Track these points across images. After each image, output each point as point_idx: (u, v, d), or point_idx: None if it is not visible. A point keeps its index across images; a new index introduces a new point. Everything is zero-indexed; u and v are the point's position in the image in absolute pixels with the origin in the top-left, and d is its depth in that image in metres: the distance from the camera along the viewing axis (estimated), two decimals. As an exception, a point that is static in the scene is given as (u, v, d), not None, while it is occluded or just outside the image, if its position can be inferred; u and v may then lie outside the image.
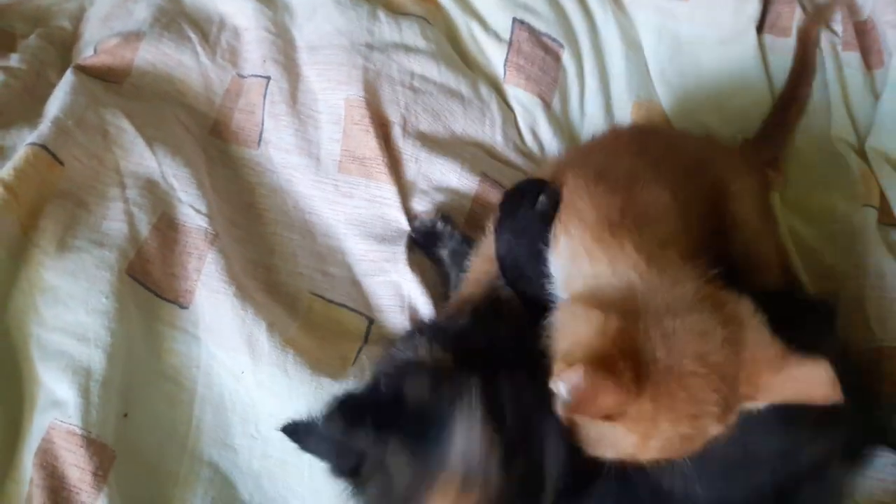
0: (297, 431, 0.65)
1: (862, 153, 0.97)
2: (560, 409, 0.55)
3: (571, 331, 0.57)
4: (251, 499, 0.78)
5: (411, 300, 0.87)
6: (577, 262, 0.64)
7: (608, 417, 0.53)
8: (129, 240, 0.86)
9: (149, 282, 0.85)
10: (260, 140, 1.00)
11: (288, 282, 0.91)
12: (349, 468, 0.62)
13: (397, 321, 0.87)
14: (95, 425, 0.74)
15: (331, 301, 0.90)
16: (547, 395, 0.56)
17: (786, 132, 1.02)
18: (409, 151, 0.96)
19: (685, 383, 0.53)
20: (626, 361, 0.52)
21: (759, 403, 0.56)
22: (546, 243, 0.69)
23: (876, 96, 1.02)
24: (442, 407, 0.59)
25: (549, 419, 0.58)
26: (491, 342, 0.70)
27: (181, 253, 0.87)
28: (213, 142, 1.01)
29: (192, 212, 0.89)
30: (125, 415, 0.79)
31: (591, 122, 1.06)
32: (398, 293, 0.88)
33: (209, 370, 0.82)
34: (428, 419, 0.59)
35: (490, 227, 0.79)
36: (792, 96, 1.04)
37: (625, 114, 1.05)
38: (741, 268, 0.78)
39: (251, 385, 0.81)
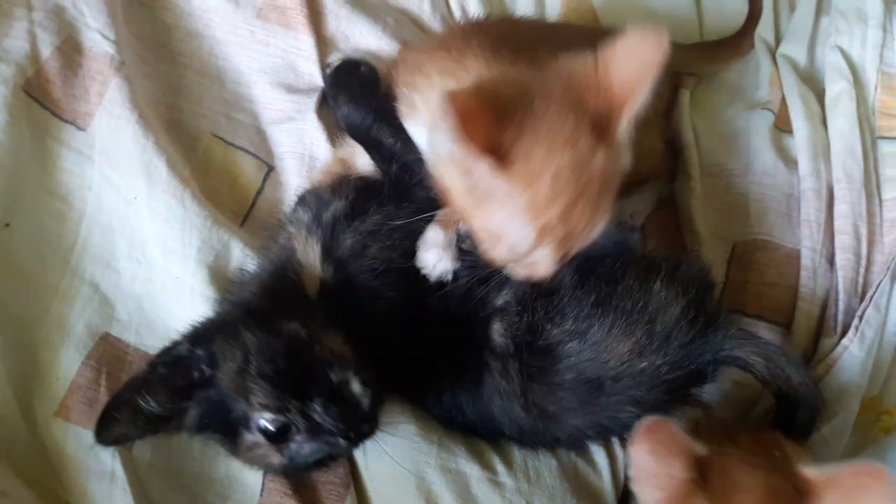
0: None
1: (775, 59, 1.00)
2: (446, 139, 0.52)
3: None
4: (129, 319, 0.79)
5: (312, 147, 0.87)
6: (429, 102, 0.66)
7: (493, 152, 0.52)
8: (28, 58, 0.84)
9: (47, 101, 0.83)
10: (181, -18, 0.97)
11: (189, 122, 0.90)
12: None
13: (295, 168, 0.88)
14: (-28, 232, 0.74)
15: (230, 143, 0.90)
16: None
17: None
18: (331, 6, 0.95)
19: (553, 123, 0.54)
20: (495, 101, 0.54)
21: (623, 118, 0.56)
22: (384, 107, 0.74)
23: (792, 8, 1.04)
24: None
25: None
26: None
27: (84, 77, 0.85)
28: (133, -21, 0.98)
29: (100, 38, 0.87)
30: (7, 224, 0.78)
31: (522, 5, 1.05)
32: (300, 140, 0.88)
33: (100, 192, 0.82)
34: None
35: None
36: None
37: (555, 3, 1.05)
38: None
39: (143, 211, 0.80)
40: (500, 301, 0.73)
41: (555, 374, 0.70)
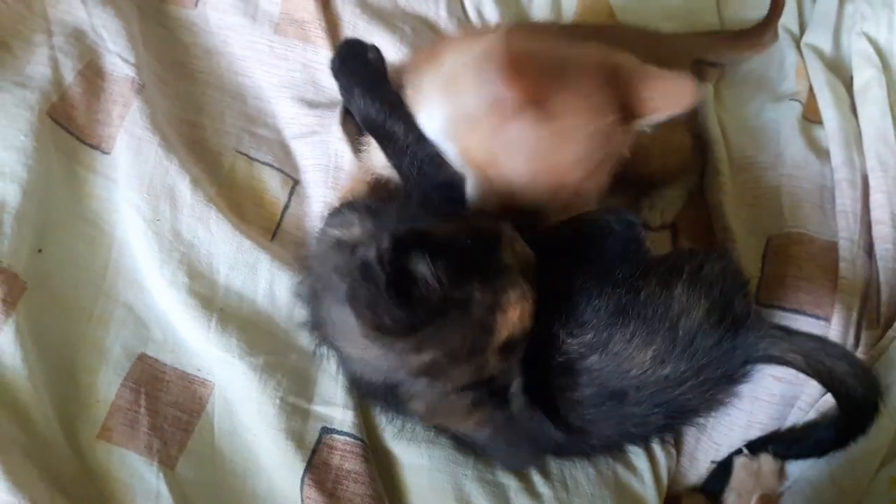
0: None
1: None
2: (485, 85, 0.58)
3: None
4: (164, 339, 0.79)
5: (337, 159, 0.87)
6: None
7: (536, 98, 0.57)
8: (52, 83, 0.85)
9: (71, 126, 0.84)
10: (198, 0, 0.98)
11: (213, 139, 0.91)
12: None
13: (321, 180, 0.88)
14: (7, 255, 0.74)
15: (255, 159, 0.90)
16: None
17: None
18: (347, 18, 0.95)
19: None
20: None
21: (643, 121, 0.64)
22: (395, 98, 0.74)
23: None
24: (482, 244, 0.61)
25: None
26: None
27: (106, 100, 0.86)
28: (149, 0, 0.99)
29: (120, 61, 0.88)
30: (39, 250, 0.79)
31: (538, 7, 1.04)
32: (325, 152, 0.88)
33: (126, 214, 0.82)
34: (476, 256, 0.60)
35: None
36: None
37: (571, 2, 1.04)
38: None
39: (165, 231, 0.81)
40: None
41: (575, 389, 0.68)
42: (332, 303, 0.61)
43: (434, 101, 0.70)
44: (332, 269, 0.62)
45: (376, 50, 0.79)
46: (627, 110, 0.64)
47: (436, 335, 0.56)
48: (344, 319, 0.58)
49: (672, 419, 0.70)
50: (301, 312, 0.77)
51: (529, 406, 0.61)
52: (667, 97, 0.64)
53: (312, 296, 0.70)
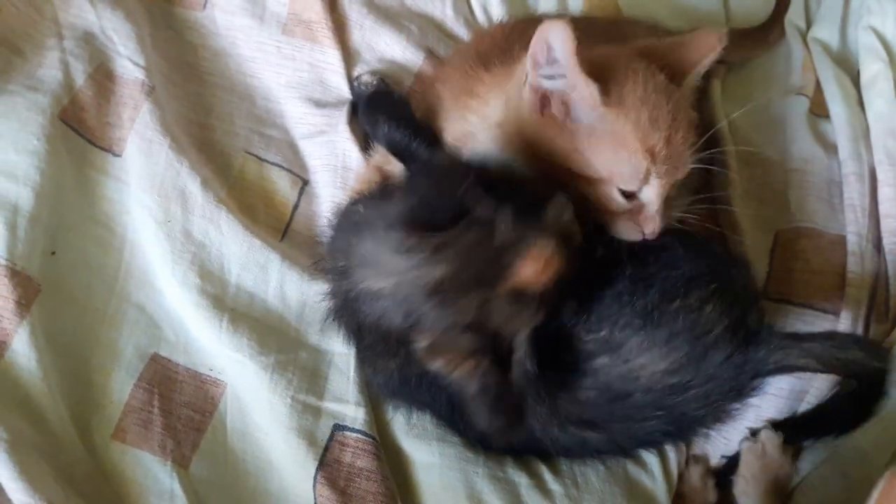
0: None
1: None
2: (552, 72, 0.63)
3: None
4: (176, 339, 0.80)
5: (345, 158, 0.88)
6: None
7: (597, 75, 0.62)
8: (63, 87, 0.85)
9: (83, 129, 0.85)
10: (206, 2, 0.99)
11: (222, 140, 0.91)
12: (443, 217, 0.60)
13: (329, 181, 0.88)
14: (21, 258, 0.75)
15: (264, 160, 0.90)
16: None
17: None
18: (355, 18, 0.96)
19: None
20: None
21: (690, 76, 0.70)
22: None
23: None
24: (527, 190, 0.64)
25: None
26: None
27: (117, 103, 0.87)
28: (158, 3, 0.99)
29: (131, 65, 0.88)
30: (53, 253, 0.79)
31: (544, 4, 1.04)
32: (333, 152, 0.89)
33: (137, 216, 0.83)
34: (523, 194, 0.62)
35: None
36: None
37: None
38: None
39: (177, 232, 0.81)
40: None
41: (581, 388, 0.68)
42: (367, 233, 0.63)
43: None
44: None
45: (399, 94, 0.87)
46: (677, 74, 0.69)
47: (457, 242, 0.57)
48: (379, 242, 0.60)
49: (676, 426, 0.70)
50: (311, 313, 0.80)
51: (528, 376, 0.61)
52: (700, 47, 0.70)
53: (341, 246, 0.70)
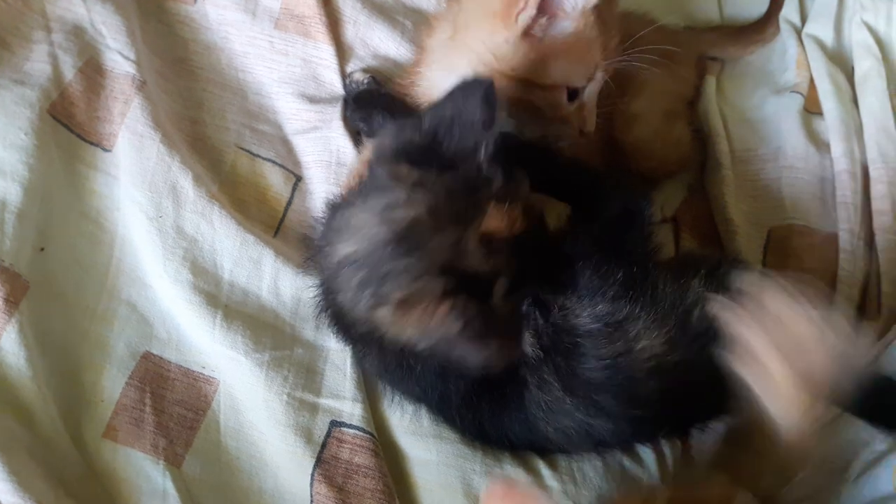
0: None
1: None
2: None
3: None
4: (168, 336, 0.79)
5: (339, 154, 0.87)
6: None
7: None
8: (52, 81, 0.83)
9: (72, 123, 0.83)
10: (197, -4, 0.97)
11: (214, 136, 0.90)
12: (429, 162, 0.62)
13: (322, 177, 0.88)
14: (9, 255, 0.73)
15: (257, 155, 0.89)
16: None
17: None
18: (349, 13, 0.95)
19: None
20: None
21: None
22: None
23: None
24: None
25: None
26: None
27: (107, 97, 0.85)
28: (149, -4, 0.98)
29: (121, 58, 0.87)
30: (42, 249, 0.78)
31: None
32: (327, 148, 0.88)
33: (127, 212, 0.81)
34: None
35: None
36: None
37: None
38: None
39: (168, 228, 0.80)
40: (523, 308, 0.70)
41: (585, 371, 0.67)
42: (342, 209, 0.64)
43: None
44: None
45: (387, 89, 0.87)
46: None
47: (441, 177, 0.60)
48: (350, 208, 0.62)
49: (683, 412, 0.70)
50: (306, 309, 0.78)
51: (512, 298, 0.62)
52: None
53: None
